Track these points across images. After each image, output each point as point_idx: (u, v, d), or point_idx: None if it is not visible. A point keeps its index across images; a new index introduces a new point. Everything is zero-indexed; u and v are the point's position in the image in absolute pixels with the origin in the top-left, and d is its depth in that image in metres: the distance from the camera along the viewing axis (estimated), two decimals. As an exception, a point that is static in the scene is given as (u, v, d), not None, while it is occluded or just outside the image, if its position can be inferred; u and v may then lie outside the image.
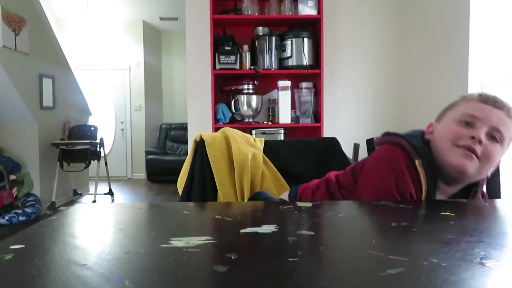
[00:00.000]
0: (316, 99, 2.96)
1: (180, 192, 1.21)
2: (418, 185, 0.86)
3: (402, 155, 0.88)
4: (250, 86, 2.89)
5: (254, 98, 2.83)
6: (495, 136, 0.85)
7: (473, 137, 0.83)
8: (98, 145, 4.56)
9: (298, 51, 2.84)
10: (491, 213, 0.74)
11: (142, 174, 6.55)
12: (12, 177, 3.75)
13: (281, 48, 2.88)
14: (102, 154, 4.69)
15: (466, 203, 0.81)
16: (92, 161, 4.46)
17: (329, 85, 3.08)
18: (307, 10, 2.85)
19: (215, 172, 1.17)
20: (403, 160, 0.88)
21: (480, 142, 0.83)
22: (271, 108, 3.01)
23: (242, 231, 0.60)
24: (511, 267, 0.46)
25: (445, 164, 0.86)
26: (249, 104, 2.83)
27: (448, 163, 0.86)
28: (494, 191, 1.15)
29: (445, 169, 0.87)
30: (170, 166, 5.82)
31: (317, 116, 2.97)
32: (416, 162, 0.87)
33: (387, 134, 0.96)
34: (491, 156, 0.84)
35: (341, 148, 1.38)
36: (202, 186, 1.18)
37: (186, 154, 1.24)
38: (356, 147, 2.69)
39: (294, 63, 2.85)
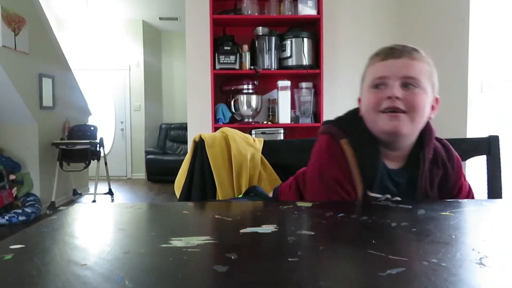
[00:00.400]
0: (315, 99, 2.96)
1: (177, 192, 1.20)
2: (353, 162, 0.88)
3: (326, 142, 0.91)
4: (250, 86, 2.88)
5: (254, 98, 2.83)
6: (409, 83, 0.84)
7: (389, 97, 0.83)
8: (98, 145, 4.56)
9: (298, 51, 2.84)
10: (491, 213, 0.74)
11: (142, 174, 6.55)
12: (12, 177, 3.75)
13: (281, 48, 2.88)
14: (102, 154, 4.68)
15: (466, 203, 0.81)
16: (92, 161, 4.46)
17: (329, 85, 3.08)
18: (307, 10, 2.85)
19: (215, 172, 1.17)
20: (326, 147, 0.90)
21: (397, 97, 0.83)
22: (271, 108, 3.01)
23: (242, 231, 0.60)
24: (511, 267, 0.46)
25: (379, 132, 0.87)
26: (248, 104, 2.83)
27: (381, 131, 0.86)
28: (495, 190, 1.16)
29: (381, 137, 0.87)
30: (170, 166, 5.82)
31: (317, 116, 2.97)
32: (341, 142, 0.89)
33: (323, 123, 0.98)
34: (415, 105, 0.83)
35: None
36: (201, 186, 1.18)
37: (186, 154, 1.24)
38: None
39: (294, 63, 2.85)
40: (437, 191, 0.92)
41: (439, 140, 0.96)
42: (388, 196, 0.89)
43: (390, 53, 0.86)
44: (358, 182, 0.87)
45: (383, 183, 0.89)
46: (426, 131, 0.90)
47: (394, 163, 0.91)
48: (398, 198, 0.89)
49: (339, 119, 0.96)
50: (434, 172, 0.91)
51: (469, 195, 0.98)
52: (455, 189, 0.95)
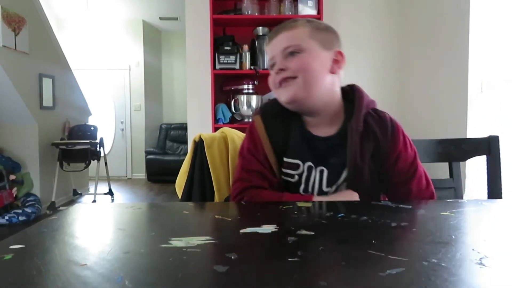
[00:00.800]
0: (316, 99, 2.96)
1: (178, 192, 1.20)
2: (262, 133, 0.93)
3: (250, 125, 0.98)
4: (250, 86, 2.88)
5: (254, 98, 2.83)
6: (289, 52, 0.88)
7: (277, 73, 0.89)
8: (98, 145, 4.56)
9: (298, 51, 2.83)
10: (491, 213, 0.74)
11: (142, 174, 6.55)
12: (12, 177, 3.75)
13: (281, 48, 2.88)
14: (102, 154, 4.68)
15: (466, 203, 0.81)
16: (92, 161, 4.46)
17: (329, 85, 3.07)
18: (307, 10, 2.85)
19: (213, 173, 1.17)
20: (249, 129, 0.97)
21: (282, 69, 0.88)
22: (271, 108, 3.01)
23: (242, 231, 0.60)
24: (511, 267, 0.46)
25: (284, 105, 0.92)
26: (249, 104, 2.82)
27: (284, 103, 0.91)
28: (495, 191, 1.16)
29: (289, 108, 0.92)
30: (170, 166, 5.82)
31: (317, 116, 2.97)
32: (255, 117, 0.96)
33: None
34: (300, 67, 0.87)
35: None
36: (201, 186, 1.18)
37: (186, 154, 1.24)
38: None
39: (294, 63, 2.85)
40: (372, 164, 0.90)
41: (377, 111, 0.96)
42: (310, 164, 0.90)
43: (272, 35, 0.92)
44: (269, 150, 0.92)
45: (300, 150, 0.91)
46: (356, 100, 0.93)
47: (325, 131, 0.92)
48: (323, 168, 0.90)
49: (266, 103, 1.05)
50: (365, 145, 0.89)
51: (417, 175, 0.92)
52: (391, 160, 0.91)
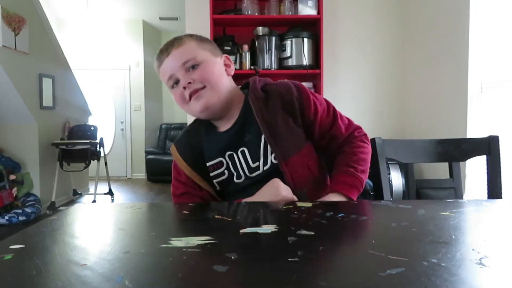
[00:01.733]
0: (316, 99, 2.96)
1: None
2: (178, 158, 0.99)
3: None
4: (250, 86, 2.88)
5: (254, 98, 2.83)
6: (190, 66, 0.92)
7: (184, 88, 0.92)
8: (98, 145, 4.56)
9: (298, 51, 2.83)
10: (491, 213, 0.74)
11: (142, 174, 6.55)
12: (12, 177, 3.75)
13: (281, 48, 2.88)
14: (102, 154, 4.68)
15: (466, 203, 0.81)
16: (92, 161, 4.46)
17: (329, 85, 3.08)
18: (307, 10, 2.85)
19: None
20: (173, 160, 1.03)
21: (189, 83, 0.91)
22: (271, 108, 3.01)
23: (242, 231, 0.60)
24: (511, 267, 0.46)
25: (199, 116, 0.98)
26: (249, 104, 2.82)
27: (198, 114, 0.96)
28: (495, 191, 1.16)
29: (204, 117, 0.99)
30: (170, 166, 5.69)
31: (317, 116, 2.97)
32: (171, 148, 1.02)
33: None
34: (206, 78, 0.92)
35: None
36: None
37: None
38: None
39: (294, 63, 2.85)
40: (287, 119, 0.96)
41: (277, 81, 1.04)
42: (229, 152, 0.96)
43: (161, 55, 0.95)
44: (187, 170, 0.97)
45: (215, 148, 0.97)
46: (250, 81, 1.02)
47: (231, 122, 0.98)
48: (243, 148, 0.95)
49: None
50: (270, 106, 0.96)
51: (337, 114, 1.01)
52: (311, 112, 0.97)
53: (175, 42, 0.95)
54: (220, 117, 0.99)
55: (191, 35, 0.97)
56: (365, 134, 1.04)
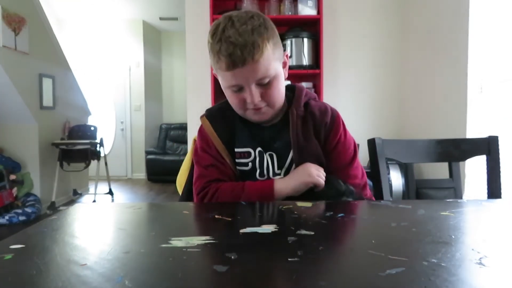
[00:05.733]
0: (316, 99, 2.96)
1: (179, 190, 1.21)
2: (210, 131, 0.98)
3: (199, 128, 1.03)
4: (250, 86, 2.88)
5: (254, 98, 2.83)
6: (262, 83, 0.87)
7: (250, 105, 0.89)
8: (98, 145, 4.56)
9: (298, 51, 2.84)
10: (491, 213, 0.74)
11: (142, 174, 6.55)
12: (12, 177, 3.75)
13: (281, 48, 2.88)
14: (102, 154, 4.68)
15: (466, 203, 0.81)
16: (92, 161, 4.46)
17: (328, 85, 3.08)
18: (307, 10, 2.85)
19: None
20: (199, 131, 1.03)
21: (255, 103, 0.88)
22: (271, 108, 3.01)
23: (242, 231, 0.60)
24: (511, 267, 0.46)
25: (248, 119, 0.96)
26: (249, 104, 2.83)
27: (249, 119, 0.95)
28: (495, 191, 1.16)
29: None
30: (170, 166, 5.82)
31: (317, 116, 2.96)
32: (201, 119, 1.01)
33: None
34: (274, 98, 0.90)
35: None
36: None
37: (186, 154, 1.25)
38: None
39: (294, 63, 2.85)
40: (316, 143, 0.96)
41: (318, 100, 1.04)
42: (260, 149, 0.96)
43: (232, 62, 0.83)
44: (219, 144, 0.97)
45: (248, 139, 0.97)
46: (296, 90, 1.01)
47: (270, 121, 0.98)
48: (272, 152, 0.96)
49: (209, 108, 1.07)
50: (306, 127, 0.96)
51: (354, 164, 0.99)
52: (332, 143, 0.98)
53: (255, 51, 0.82)
54: (263, 122, 0.99)
55: (266, 37, 0.84)
56: (372, 196, 1.02)
